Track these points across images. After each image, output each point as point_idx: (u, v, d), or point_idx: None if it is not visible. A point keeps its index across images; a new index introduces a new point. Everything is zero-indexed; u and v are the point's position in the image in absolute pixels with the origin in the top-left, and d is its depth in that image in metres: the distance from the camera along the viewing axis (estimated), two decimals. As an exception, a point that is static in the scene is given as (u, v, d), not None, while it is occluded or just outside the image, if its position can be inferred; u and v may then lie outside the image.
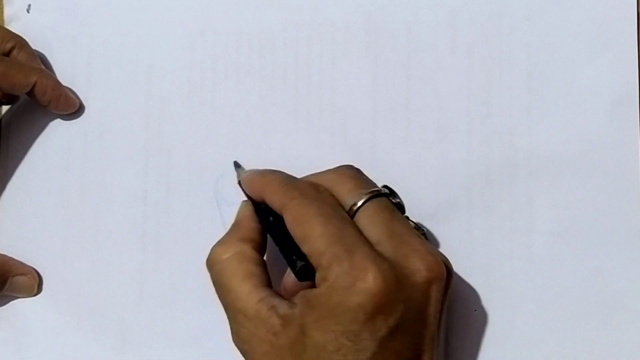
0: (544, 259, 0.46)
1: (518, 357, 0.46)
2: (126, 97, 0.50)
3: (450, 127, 0.48)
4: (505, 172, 0.47)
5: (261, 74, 0.49)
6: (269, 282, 0.40)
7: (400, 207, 0.42)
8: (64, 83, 0.50)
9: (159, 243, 0.49)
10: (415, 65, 0.48)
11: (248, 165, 0.49)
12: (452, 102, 0.48)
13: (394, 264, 0.37)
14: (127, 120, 0.50)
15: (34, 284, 0.49)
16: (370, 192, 0.40)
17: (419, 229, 0.43)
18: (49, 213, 0.50)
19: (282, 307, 0.38)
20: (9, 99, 0.51)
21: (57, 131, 0.51)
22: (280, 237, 0.40)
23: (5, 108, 0.52)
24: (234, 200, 0.48)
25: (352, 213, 0.40)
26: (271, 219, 0.41)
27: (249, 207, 0.43)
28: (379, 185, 0.42)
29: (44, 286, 0.49)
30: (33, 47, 0.50)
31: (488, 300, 0.44)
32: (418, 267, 0.38)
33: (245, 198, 0.45)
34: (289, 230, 0.39)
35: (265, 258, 0.42)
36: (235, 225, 0.43)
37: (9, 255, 0.49)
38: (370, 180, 0.42)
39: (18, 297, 0.49)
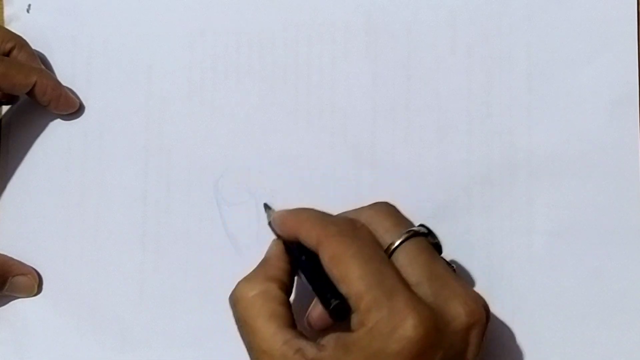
0: (544, 259, 0.46)
1: (518, 357, 0.46)
2: (126, 97, 0.50)
3: (450, 127, 0.48)
4: (505, 172, 0.47)
5: (261, 74, 0.49)
6: (294, 323, 0.39)
7: (438, 247, 0.41)
8: (64, 83, 0.50)
9: (159, 243, 0.49)
10: (415, 65, 0.48)
11: (248, 165, 0.49)
12: (452, 102, 0.48)
13: (434, 309, 0.37)
14: (127, 120, 0.50)
15: (34, 284, 0.49)
16: (408, 232, 0.39)
17: (449, 265, 0.41)
18: (49, 213, 0.50)
19: (310, 350, 0.37)
20: (9, 99, 0.51)
21: (57, 131, 0.51)
22: (313, 275, 0.39)
23: (5, 108, 0.52)
24: (234, 200, 0.49)
25: (389, 252, 0.39)
26: (303, 257, 0.40)
27: (280, 246, 0.42)
28: (416, 224, 0.41)
29: (44, 286, 0.49)
30: (33, 47, 0.50)
31: (488, 300, 0.44)
32: (459, 313, 0.37)
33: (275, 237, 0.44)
34: (326, 269, 0.38)
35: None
36: (264, 262, 0.42)
37: (9, 255, 0.49)
38: (407, 218, 0.42)
39: (18, 297, 0.49)
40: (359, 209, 0.42)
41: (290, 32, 0.50)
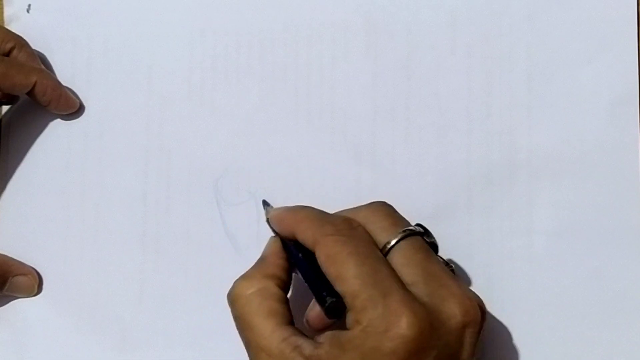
0: (544, 259, 0.46)
1: (518, 357, 0.46)
2: (126, 97, 0.50)
3: (450, 127, 0.48)
4: (505, 172, 0.47)
5: (261, 74, 0.49)
6: (292, 320, 0.39)
7: (434, 247, 0.41)
8: (64, 83, 0.50)
9: (159, 243, 0.49)
10: (415, 65, 0.48)
11: (248, 165, 0.49)
12: (452, 102, 0.48)
13: (429, 308, 0.37)
14: (127, 121, 0.50)
15: (34, 284, 0.49)
16: (404, 231, 0.40)
17: (447, 264, 0.42)
18: (49, 213, 0.50)
19: (307, 347, 0.37)
20: (9, 99, 0.51)
21: (57, 131, 0.51)
22: (309, 273, 0.40)
23: (5, 108, 0.52)
24: (234, 200, 0.49)
25: (385, 251, 0.39)
26: (300, 255, 0.40)
27: (277, 244, 0.42)
28: (412, 223, 0.41)
29: (44, 286, 0.49)
30: (33, 47, 0.50)
31: (488, 300, 0.44)
32: (454, 312, 0.37)
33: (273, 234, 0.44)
34: (322, 267, 0.38)
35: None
36: (261, 260, 0.42)
37: (9, 255, 0.49)
38: (404, 218, 0.42)
39: (18, 297, 0.49)
40: (355, 208, 0.42)
41: (290, 32, 0.50)
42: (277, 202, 0.47)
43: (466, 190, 0.47)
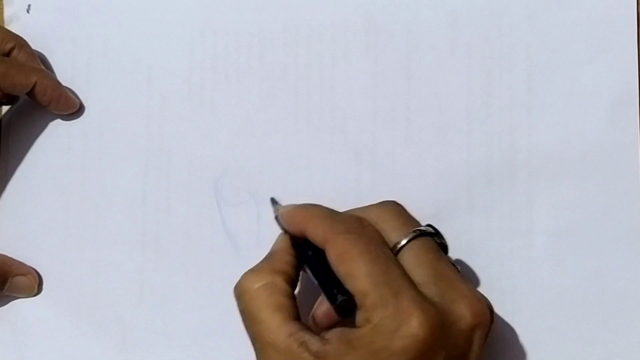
0: (544, 259, 0.46)
1: (518, 357, 0.46)
2: (126, 97, 0.50)
3: (450, 127, 0.48)
4: (505, 172, 0.47)
5: (261, 74, 0.49)
6: (299, 316, 0.39)
7: (444, 248, 0.41)
8: (64, 83, 0.50)
9: (159, 243, 0.49)
10: (415, 65, 0.48)
11: (248, 165, 0.49)
12: (452, 102, 0.48)
13: (439, 308, 0.37)
14: (127, 121, 0.50)
15: (34, 284, 0.49)
16: (415, 231, 0.40)
17: (453, 266, 0.41)
18: (49, 213, 0.50)
19: (315, 343, 0.37)
20: (9, 99, 0.51)
21: (57, 131, 0.51)
22: (319, 271, 0.40)
23: (5, 108, 0.52)
24: (234, 200, 0.49)
25: (396, 251, 0.39)
26: (310, 252, 0.40)
27: (287, 240, 0.42)
28: (423, 223, 0.42)
29: (44, 286, 0.49)
30: (33, 47, 0.50)
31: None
32: (464, 313, 0.37)
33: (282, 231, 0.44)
34: (332, 266, 0.38)
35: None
36: (270, 256, 0.42)
37: (9, 255, 0.49)
38: (414, 218, 0.42)
39: (18, 298, 0.49)
40: (366, 207, 0.42)
41: (290, 32, 0.50)
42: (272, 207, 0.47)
43: (466, 190, 0.47)
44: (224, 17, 0.50)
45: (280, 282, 0.40)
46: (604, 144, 0.46)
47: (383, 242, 0.39)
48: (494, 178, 0.47)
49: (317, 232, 0.40)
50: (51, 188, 0.50)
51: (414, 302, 0.36)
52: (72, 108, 0.50)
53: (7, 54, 0.49)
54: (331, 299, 0.39)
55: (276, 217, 0.44)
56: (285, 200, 0.46)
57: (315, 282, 0.40)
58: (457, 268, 0.41)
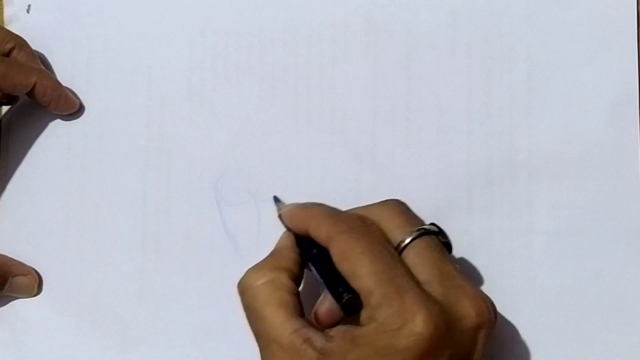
0: (544, 259, 0.46)
1: (518, 357, 0.46)
2: (126, 98, 0.50)
3: (450, 127, 0.48)
4: (505, 172, 0.47)
5: (261, 74, 0.49)
6: (302, 312, 0.39)
7: (448, 246, 0.41)
8: (64, 83, 0.50)
9: (159, 243, 0.49)
10: (415, 65, 0.48)
11: (248, 165, 0.49)
12: (452, 102, 0.48)
13: (444, 307, 0.37)
14: (127, 121, 0.50)
15: (33, 284, 0.49)
16: (419, 230, 0.40)
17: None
18: (49, 213, 0.50)
19: (318, 340, 0.37)
20: (9, 99, 0.51)
21: (57, 131, 0.51)
22: (324, 269, 0.40)
23: (5, 108, 0.52)
24: (234, 200, 0.49)
25: (399, 249, 0.39)
26: (314, 251, 0.41)
27: (290, 238, 0.42)
28: (427, 222, 0.42)
29: (44, 286, 0.49)
30: (33, 47, 0.50)
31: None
32: (468, 312, 0.37)
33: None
34: (336, 264, 0.39)
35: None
36: (273, 253, 0.42)
37: (9, 255, 0.49)
38: (418, 216, 0.42)
39: (18, 298, 0.49)
40: (369, 205, 0.42)
41: (290, 32, 0.50)
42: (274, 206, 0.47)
43: (466, 190, 0.47)
44: (224, 17, 0.50)
45: (284, 279, 0.40)
46: (604, 144, 0.46)
47: (386, 240, 0.39)
48: (494, 178, 0.47)
49: (320, 231, 0.40)
50: (51, 188, 0.50)
51: (418, 300, 0.36)
52: (72, 108, 0.50)
53: (7, 54, 0.49)
54: (337, 297, 0.39)
55: (279, 216, 0.44)
56: (287, 200, 0.46)
57: (320, 280, 0.40)
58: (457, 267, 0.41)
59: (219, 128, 0.49)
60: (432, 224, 0.41)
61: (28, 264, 0.49)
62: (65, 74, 0.51)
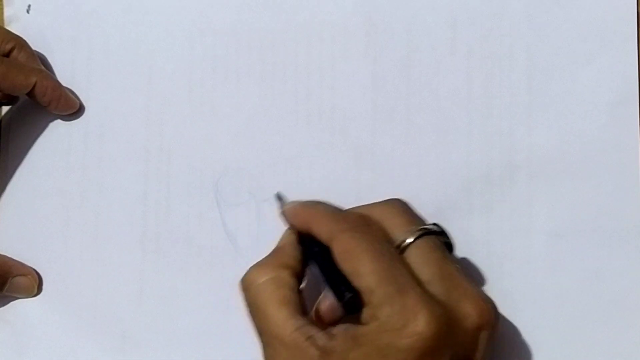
0: (544, 260, 0.46)
1: (518, 357, 0.46)
2: (126, 98, 0.50)
3: (450, 127, 0.48)
4: (505, 172, 0.47)
5: (261, 74, 0.49)
6: (305, 310, 0.39)
7: (449, 247, 0.41)
8: (64, 83, 0.50)
9: (159, 243, 0.49)
10: (415, 65, 0.48)
11: (248, 165, 0.49)
12: (452, 102, 0.48)
13: (446, 307, 0.37)
14: (127, 121, 0.50)
15: (33, 284, 0.49)
16: (421, 230, 0.40)
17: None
18: (49, 213, 0.50)
19: (321, 338, 0.37)
20: (9, 99, 0.51)
21: (57, 131, 0.51)
22: (326, 267, 0.40)
23: (5, 108, 0.52)
24: (234, 200, 0.49)
25: (401, 249, 0.39)
26: (316, 249, 0.41)
27: (293, 236, 0.42)
28: (429, 222, 0.42)
29: (44, 286, 0.50)
30: (33, 47, 0.50)
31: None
32: (470, 312, 0.37)
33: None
34: (338, 263, 0.39)
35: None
36: (276, 250, 0.42)
37: (9, 255, 0.49)
38: (419, 216, 0.42)
39: (18, 298, 0.49)
40: (371, 204, 0.42)
41: (290, 32, 0.50)
42: (277, 203, 0.47)
43: (466, 190, 0.47)
44: (224, 17, 0.50)
45: (286, 276, 0.40)
46: (604, 144, 0.46)
47: (388, 240, 0.39)
48: (493, 178, 0.47)
49: (322, 230, 0.40)
50: (51, 188, 0.50)
51: (420, 300, 0.36)
52: (72, 108, 0.50)
53: (7, 55, 0.49)
54: (338, 295, 0.39)
55: (281, 213, 0.44)
56: (288, 199, 0.46)
57: (322, 278, 0.40)
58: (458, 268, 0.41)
59: (219, 128, 0.49)
60: (434, 224, 0.41)
61: (28, 264, 0.50)
62: (65, 74, 0.51)
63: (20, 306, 0.49)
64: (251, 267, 0.41)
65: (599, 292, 0.45)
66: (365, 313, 0.37)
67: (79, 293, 0.49)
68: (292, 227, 0.43)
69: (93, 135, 0.50)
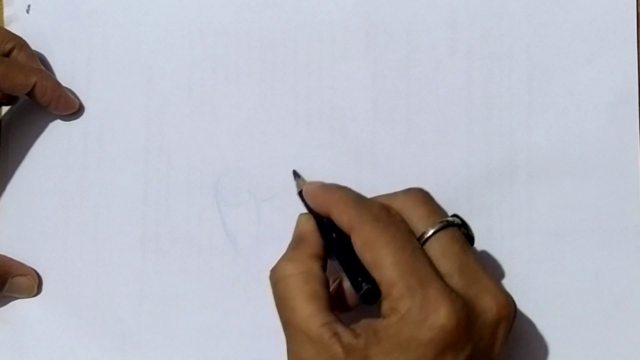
0: (544, 260, 0.46)
1: (518, 357, 0.46)
2: (126, 98, 0.50)
3: (450, 127, 0.48)
4: (505, 172, 0.47)
5: (261, 74, 0.49)
6: (331, 306, 0.39)
7: (471, 239, 0.41)
8: (63, 83, 0.50)
9: (159, 243, 0.49)
10: (415, 65, 0.48)
11: (248, 165, 0.49)
12: (452, 102, 0.48)
13: (466, 300, 0.37)
14: (127, 121, 0.50)
15: (33, 284, 0.49)
16: (442, 222, 0.39)
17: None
18: (49, 213, 0.50)
19: (347, 336, 0.37)
20: (9, 99, 0.51)
21: (57, 131, 0.51)
22: (343, 255, 0.40)
23: (5, 108, 0.52)
24: (234, 200, 0.49)
25: (422, 240, 0.39)
26: (334, 235, 0.40)
27: (312, 221, 0.42)
28: (450, 213, 0.41)
29: (44, 286, 0.49)
30: (33, 47, 0.50)
31: None
32: (490, 306, 0.37)
33: (304, 210, 0.43)
34: (358, 253, 0.38)
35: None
36: (301, 239, 0.42)
37: (9, 255, 0.49)
38: (441, 207, 0.42)
39: (18, 298, 0.49)
40: (392, 194, 0.41)
41: (290, 32, 0.50)
42: (277, 202, 0.47)
43: (466, 190, 0.47)
44: (224, 17, 0.50)
45: (316, 270, 0.40)
46: (604, 144, 0.46)
47: (410, 231, 0.39)
48: (493, 178, 0.47)
49: (343, 218, 0.40)
50: (51, 188, 0.50)
51: (441, 293, 0.36)
52: (72, 108, 0.50)
53: (7, 55, 0.49)
54: (356, 286, 0.39)
55: (299, 193, 0.43)
56: (284, 201, 0.46)
57: (339, 266, 0.40)
58: None
59: (219, 128, 0.49)
60: (455, 215, 0.41)
61: (28, 264, 0.49)
62: (65, 74, 0.51)
63: (20, 306, 0.49)
64: (281, 260, 0.40)
65: (599, 292, 0.45)
66: (386, 306, 0.37)
67: (79, 293, 0.49)
68: (309, 209, 0.42)
69: (93, 135, 0.50)
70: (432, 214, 0.40)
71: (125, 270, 0.49)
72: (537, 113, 0.47)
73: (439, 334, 0.36)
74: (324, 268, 0.40)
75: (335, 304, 0.40)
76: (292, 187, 0.47)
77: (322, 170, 0.48)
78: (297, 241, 0.42)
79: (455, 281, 0.38)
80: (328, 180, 0.48)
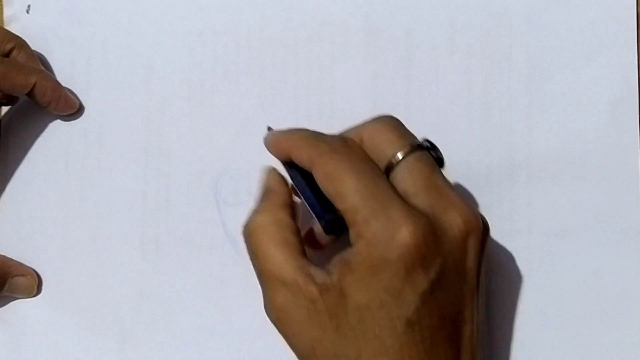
0: (544, 260, 0.46)
1: (518, 357, 0.46)
2: (126, 98, 0.50)
3: (450, 127, 0.48)
4: (505, 172, 0.47)
5: (261, 74, 0.49)
6: (304, 251, 0.40)
7: (440, 162, 0.41)
8: (63, 83, 0.50)
9: (159, 243, 0.49)
10: (415, 65, 0.48)
11: (248, 165, 0.49)
12: (452, 102, 0.48)
13: (430, 216, 0.37)
14: (127, 121, 0.50)
15: (33, 284, 0.49)
16: (412, 145, 0.40)
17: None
18: (49, 213, 0.50)
19: (320, 275, 0.38)
20: (8, 99, 0.51)
21: (57, 131, 0.51)
22: (307, 193, 0.40)
23: (5, 109, 0.52)
24: (234, 200, 0.49)
25: (392, 164, 0.39)
26: (298, 176, 0.41)
27: (275, 172, 0.43)
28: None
29: (44, 287, 0.49)
30: (32, 47, 0.50)
31: (487, 301, 0.44)
32: (456, 221, 0.38)
33: (266, 165, 0.44)
34: (321, 186, 0.39)
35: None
36: (268, 191, 0.42)
37: (9, 255, 0.49)
38: (411, 132, 0.42)
39: (17, 298, 0.49)
40: (362, 123, 0.42)
41: (290, 32, 0.50)
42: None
43: (466, 190, 0.47)
44: (224, 17, 0.50)
45: (286, 218, 0.40)
46: (604, 144, 0.46)
47: (369, 159, 0.39)
48: (493, 179, 0.47)
49: (302, 155, 0.40)
50: (51, 188, 0.50)
51: (404, 212, 0.37)
52: (71, 108, 0.50)
53: (7, 55, 0.49)
54: (319, 218, 0.39)
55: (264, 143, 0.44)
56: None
57: (305, 204, 0.41)
58: None
59: (219, 128, 0.49)
60: (426, 139, 0.41)
61: (28, 264, 0.49)
62: (65, 74, 0.51)
63: (20, 306, 0.49)
64: (252, 214, 0.41)
65: (599, 292, 0.45)
66: (352, 234, 0.38)
67: (78, 293, 0.49)
68: (275, 155, 0.43)
69: (92, 136, 0.50)
70: (402, 138, 0.40)
71: (125, 270, 0.49)
72: (537, 113, 0.47)
73: (405, 251, 0.36)
74: (293, 216, 0.41)
75: (309, 245, 0.41)
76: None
77: (322, 170, 0.48)
78: (265, 193, 0.42)
79: (420, 199, 0.38)
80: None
